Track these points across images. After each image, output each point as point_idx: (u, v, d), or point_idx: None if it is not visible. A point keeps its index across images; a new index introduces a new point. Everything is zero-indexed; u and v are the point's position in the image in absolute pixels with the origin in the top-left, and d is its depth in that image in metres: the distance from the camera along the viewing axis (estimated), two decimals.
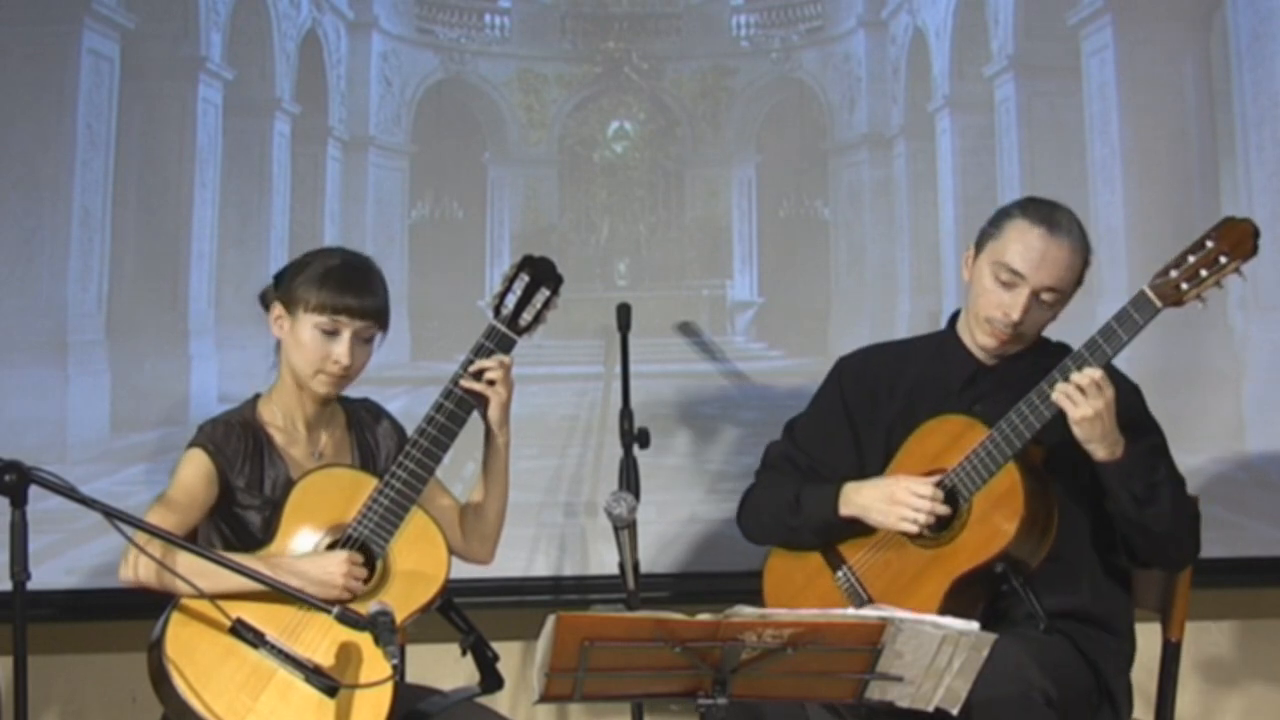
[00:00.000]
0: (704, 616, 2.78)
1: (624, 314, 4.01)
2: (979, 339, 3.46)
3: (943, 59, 4.56)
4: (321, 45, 4.52)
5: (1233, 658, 4.57)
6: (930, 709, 2.92)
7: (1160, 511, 3.29)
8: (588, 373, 4.46)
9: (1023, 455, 3.31)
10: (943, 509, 3.35)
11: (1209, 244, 3.21)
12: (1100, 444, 3.24)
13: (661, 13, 4.57)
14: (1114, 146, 4.51)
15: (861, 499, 3.45)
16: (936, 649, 2.86)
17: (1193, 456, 4.30)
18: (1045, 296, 3.39)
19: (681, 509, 4.42)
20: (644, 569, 3.71)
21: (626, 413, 3.82)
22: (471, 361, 3.36)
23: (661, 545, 4.38)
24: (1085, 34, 4.54)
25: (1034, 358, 3.42)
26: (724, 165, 4.58)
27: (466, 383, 3.33)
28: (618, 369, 3.98)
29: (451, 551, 3.46)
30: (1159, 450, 3.40)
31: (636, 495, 3.61)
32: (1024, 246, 3.38)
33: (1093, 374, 3.22)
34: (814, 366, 4.01)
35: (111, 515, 3.09)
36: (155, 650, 3.19)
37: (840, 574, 3.50)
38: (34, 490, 3.06)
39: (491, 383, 3.33)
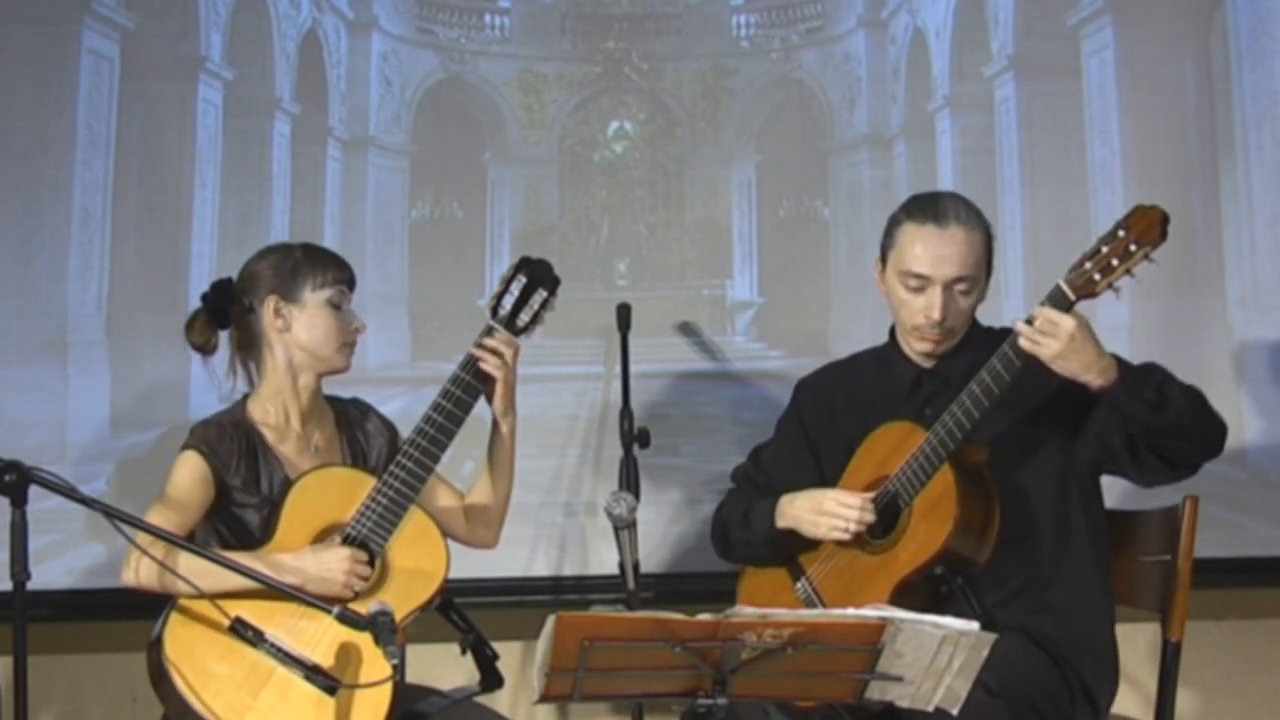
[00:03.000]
0: (704, 616, 2.78)
1: (624, 314, 4.02)
2: (915, 347, 3.50)
3: (943, 59, 4.56)
4: (321, 45, 4.52)
5: (1233, 658, 4.57)
6: (930, 709, 2.92)
7: (1180, 407, 3.24)
8: (588, 373, 4.46)
9: (959, 456, 3.32)
10: (871, 517, 3.38)
11: (1120, 233, 3.17)
12: (1088, 373, 3.20)
13: (661, 13, 4.57)
14: (1114, 146, 4.51)
15: (794, 510, 3.50)
16: (936, 649, 2.86)
17: None
18: (959, 287, 3.42)
19: (682, 509, 4.42)
20: (644, 569, 3.71)
21: (626, 413, 3.83)
22: (470, 362, 3.37)
23: (662, 545, 4.38)
24: (1085, 34, 4.54)
25: (973, 353, 3.43)
26: (724, 165, 4.58)
27: (476, 350, 3.36)
28: (618, 369, 3.99)
29: (459, 541, 3.50)
30: (1148, 364, 3.37)
31: (636, 495, 3.62)
32: (920, 248, 3.41)
33: (1045, 313, 3.19)
34: (814, 367, 4.01)
35: (112, 515, 3.09)
36: (155, 649, 3.19)
37: (799, 585, 3.54)
38: (34, 490, 3.06)
39: (497, 353, 3.35)
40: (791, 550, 3.56)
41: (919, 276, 3.42)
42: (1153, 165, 4.49)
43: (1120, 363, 3.25)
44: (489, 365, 3.36)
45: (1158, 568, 3.56)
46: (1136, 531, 3.63)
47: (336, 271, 3.42)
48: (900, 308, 3.48)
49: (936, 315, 3.41)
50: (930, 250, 3.41)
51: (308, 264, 3.40)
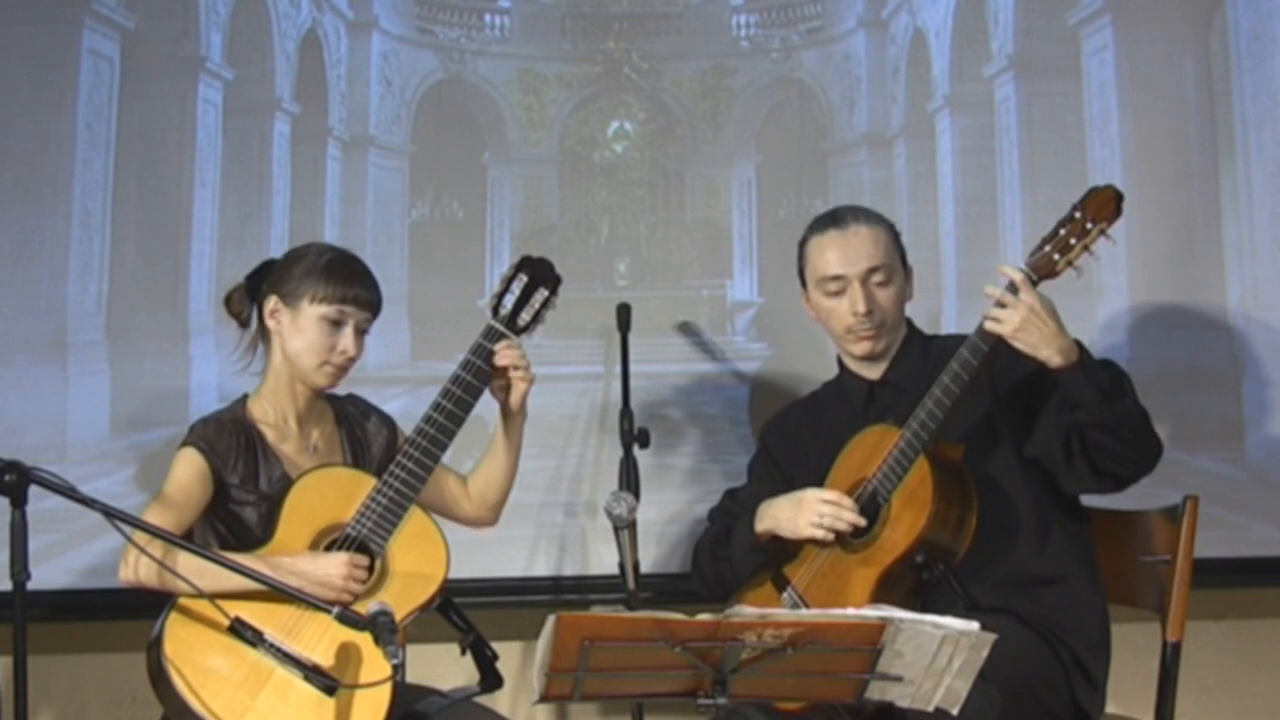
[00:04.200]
0: (704, 616, 2.78)
1: (624, 314, 4.01)
2: (855, 353, 3.60)
3: (943, 59, 4.56)
4: (321, 45, 4.52)
5: (1233, 658, 4.56)
6: (930, 709, 2.92)
7: (1129, 406, 3.32)
8: (588, 373, 4.46)
9: (934, 450, 3.38)
10: (852, 514, 3.41)
11: (1077, 214, 3.29)
12: (1047, 348, 3.26)
13: (661, 13, 4.57)
14: (1114, 146, 4.51)
15: (772, 511, 3.56)
16: (936, 649, 2.86)
17: (1193, 457, 4.31)
18: (876, 278, 3.56)
19: (682, 509, 4.41)
20: (645, 569, 3.71)
21: (626, 413, 3.83)
22: (470, 362, 3.37)
23: (662, 545, 4.38)
24: (1085, 34, 4.54)
25: (920, 358, 3.57)
26: (724, 165, 4.58)
27: (478, 361, 3.37)
28: (618, 369, 3.99)
29: (460, 522, 3.53)
30: (1109, 359, 3.45)
31: (636, 495, 3.62)
32: (829, 253, 3.59)
33: (1010, 275, 3.27)
34: (814, 366, 4.01)
35: (111, 515, 3.09)
36: (154, 649, 3.19)
37: (785, 594, 3.57)
38: (34, 490, 3.06)
39: (519, 367, 3.36)
40: (773, 561, 3.58)
41: (836, 278, 3.56)
42: (1153, 165, 4.49)
43: (1084, 351, 3.31)
44: (515, 376, 3.38)
45: (1157, 568, 3.57)
46: (1136, 531, 3.64)
47: (342, 290, 3.38)
48: (829, 317, 3.60)
49: (862, 307, 3.52)
50: (837, 250, 3.57)
51: (319, 274, 3.38)
